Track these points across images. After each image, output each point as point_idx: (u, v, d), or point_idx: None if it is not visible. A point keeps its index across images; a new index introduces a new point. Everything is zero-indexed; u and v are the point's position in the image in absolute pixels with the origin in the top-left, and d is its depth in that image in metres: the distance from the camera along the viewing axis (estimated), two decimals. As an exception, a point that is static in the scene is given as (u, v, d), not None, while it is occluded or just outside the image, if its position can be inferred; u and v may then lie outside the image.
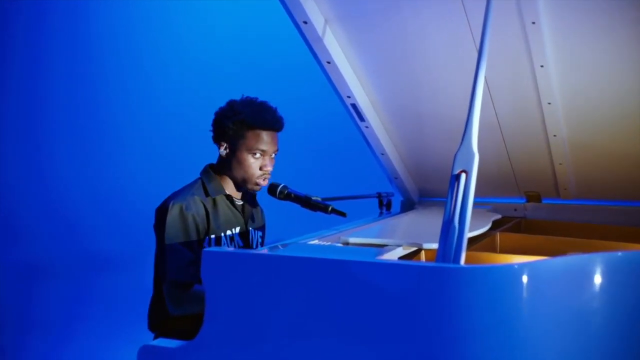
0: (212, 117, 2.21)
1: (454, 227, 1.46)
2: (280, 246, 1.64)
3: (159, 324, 2.14)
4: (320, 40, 1.96)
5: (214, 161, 2.26)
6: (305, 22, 1.93)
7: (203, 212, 2.10)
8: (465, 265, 1.35)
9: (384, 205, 2.86)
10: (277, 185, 2.22)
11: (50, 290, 4.29)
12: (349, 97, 2.20)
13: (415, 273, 1.32)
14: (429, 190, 2.86)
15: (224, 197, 2.19)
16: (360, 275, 1.34)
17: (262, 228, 2.42)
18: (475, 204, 1.51)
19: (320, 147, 3.99)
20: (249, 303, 1.45)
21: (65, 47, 4.35)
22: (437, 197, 2.88)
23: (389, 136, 2.50)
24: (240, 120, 2.12)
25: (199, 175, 2.24)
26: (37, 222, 4.31)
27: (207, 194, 2.15)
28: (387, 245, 1.68)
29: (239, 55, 4.21)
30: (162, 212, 2.06)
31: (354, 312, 1.34)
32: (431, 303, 1.29)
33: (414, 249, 1.73)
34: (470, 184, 1.49)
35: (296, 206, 2.23)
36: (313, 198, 2.20)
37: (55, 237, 4.28)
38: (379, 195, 2.83)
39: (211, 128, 2.20)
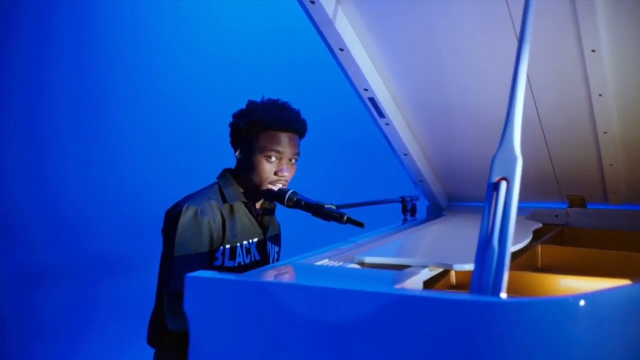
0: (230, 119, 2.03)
1: (493, 247, 1.17)
2: (282, 269, 1.37)
3: (160, 339, 1.95)
4: (330, 23, 1.67)
5: (232, 166, 2.06)
6: (313, 2, 1.65)
7: (219, 218, 1.90)
8: (508, 300, 1.07)
9: (408, 211, 2.58)
10: (285, 191, 1.96)
11: (55, 295, 4.12)
12: (365, 90, 1.91)
13: (445, 308, 1.04)
14: (458, 194, 2.56)
15: (242, 205, 1.99)
16: (375, 309, 1.07)
17: (278, 242, 2.20)
18: (521, 209, 1.29)
19: (335, 147, 3.73)
20: (242, 339, 1.19)
21: (71, 46, 4.19)
22: (467, 201, 2.59)
23: (413, 134, 2.21)
24: (253, 120, 1.92)
25: (215, 180, 2.04)
26: (41, 224, 4.14)
27: (224, 200, 1.95)
28: (410, 266, 1.40)
29: (252, 52, 4.06)
30: (173, 215, 1.86)
31: (368, 353, 1.07)
32: (462, 345, 1.01)
33: (442, 269, 1.45)
34: (512, 194, 1.20)
35: (307, 215, 1.98)
36: (326, 206, 1.93)
37: (59, 240, 4.11)
38: (403, 200, 2.55)
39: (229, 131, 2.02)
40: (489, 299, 1.09)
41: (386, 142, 2.24)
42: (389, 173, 3.56)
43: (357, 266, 1.44)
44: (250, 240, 2.01)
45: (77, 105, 4.16)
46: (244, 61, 4.02)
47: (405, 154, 2.21)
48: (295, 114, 1.99)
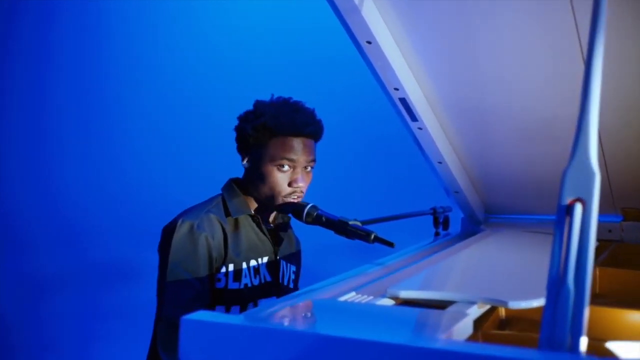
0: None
1: (568, 289, 0.91)
2: (298, 307, 1.12)
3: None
4: (356, 11, 1.42)
5: (240, 175, 1.86)
6: (337, -13, 1.40)
7: (220, 234, 1.68)
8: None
9: (441, 224, 2.33)
10: (304, 206, 1.73)
11: (60, 303, 4.01)
12: (396, 89, 1.66)
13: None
14: (497, 206, 2.30)
15: (250, 218, 1.77)
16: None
17: (296, 260, 1.97)
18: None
19: (353, 152, 3.50)
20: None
21: (74, 48, 4.09)
22: (507, 214, 2.33)
23: (449, 140, 1.95)
24: (261, 125, 1.70)
25: (219, 192, 1.82)
26: (43, 229, 4.04)
27: (227, 213, 1.73)
28: (454, 302, 1.15)
29: (261, 50, 3.86)
30: (168, 230, 1.66)
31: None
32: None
33: (490, 306, 1.20)
34: (590, 219, 0.94)
35: (328, 231, 1.74)
36: (351, 222, 1.69)
37: (63, 246, 4.01)
38: (434, 212, 2.30)
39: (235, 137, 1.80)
40: (568, 356, 0.85)
41: (417, 149, 1.99)
42: (414, 180, 3.33)
43: (391, 301, 1.20)
44: (260, 260, 1.77)
45: (80, 108, 4.05)
46: (252, 60, 3.84)
47: (439, 162, 1.96)
48: (310, 115, 1.75)
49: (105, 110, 3.98)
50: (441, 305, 1.16)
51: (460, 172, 2.04)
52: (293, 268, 1.95)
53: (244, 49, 3.86)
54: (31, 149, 4.08)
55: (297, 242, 2.03)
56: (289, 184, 1.74)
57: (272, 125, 1.69)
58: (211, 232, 1.66)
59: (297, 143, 1.73)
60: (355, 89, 3.22)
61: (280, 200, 1.75)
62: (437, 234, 2.33)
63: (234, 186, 1.80)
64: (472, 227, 2.28)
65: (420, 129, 1.80)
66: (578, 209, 0.94)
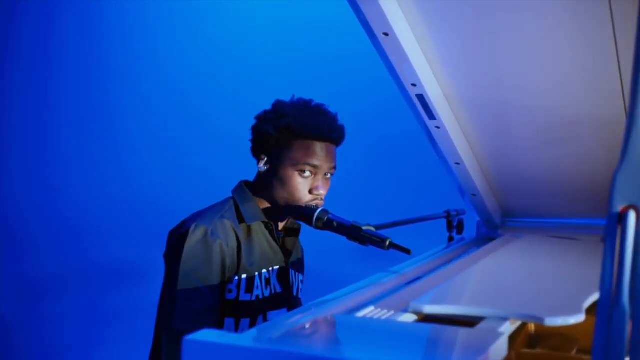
0: (253, 122, 1.72)
1: (623, 308, 0.80)
2: (315, 325, 1.02)
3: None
4: (374, 0, 1.32)
5: (251, 178, 1.76)
6: (352, -26, 1.30)
7: (234, 242, 1.59)
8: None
9: (454, 227, 2.22)
10: (313, 210, 1.63)
11: (61, 305, 3.91)
12: (414, 85, 1.55)
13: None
14: (514, 209, 2.19)
15: (262, 225, 1.67)
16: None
17: (302, 269, 1.87)
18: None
19: (363, 155, 3.41)
20: None
21: (75, 47, 4.01)
22: (525, 217, 2.22)
23: (467, 140, 1.85)
24: (285, 126, 1.60)
25: (229, 195, 1.72)
26: (44, 231, 3.95)
27: (240, 220, 1.63)
28: (484, 318, 1.04)
29: (265, 50, 3.80)
30: (178, 236, 1.55)
31: None
32: None
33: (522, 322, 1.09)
34: (646, 231, 0.83)
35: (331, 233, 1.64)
36: (364, 227, 1.59)
37: (63, 248, 3.92)
38: (448, 215, 2.19)
39: (250, 137, 1.70)
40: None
41: (433, 149, 1.88)
42: (420, 181, 3.24)
43: (413, 317, 1.09)
44: (271, 269, 1.67)
45: (80, 108, 3.98)
46: (254, 60, 3.78)
47: (457, 163, 1.85)
48: (333, 119, 1.67)
49: (106, 111, 3.92)
50: (469, 321, 1.05)
51: (478, 173, 1.93)
52: (300, 277, 1.86)
53: (246, 48, 3.81)
54: (31, 149, 4.02)
55: (302, 251, 1.93)
56: (310, 191, 1.65)
57: (296, 127, 1.60)
58: (226, 239, 1.56)
59: (321, 148, 1.64)
60: (358, 88, 3.18)
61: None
62: (450, 238, 2.23)
63: (246, 190, 1.70)
64: (488, 232, 2.18)
65: (437, 127, 1.69)
66: (631, 217, 0.84)
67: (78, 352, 3.87)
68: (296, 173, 1.63)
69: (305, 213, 1.64)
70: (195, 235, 1.53)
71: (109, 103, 3.93)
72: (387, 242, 1.55)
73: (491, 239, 2.18)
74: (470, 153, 1.87)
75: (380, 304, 1.13)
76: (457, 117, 1.75)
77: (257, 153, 1.69)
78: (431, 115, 1.63)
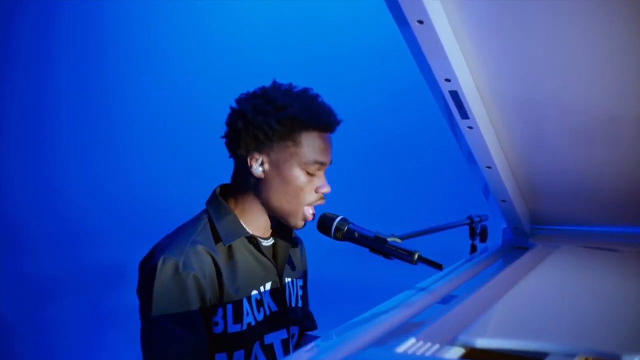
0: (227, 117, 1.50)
1: None
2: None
3: None
4: (409, -18, 1.16)
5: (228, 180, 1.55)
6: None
7: (212, 269, 1.37)
8: None
9: (477, 234, 2.06)
10: (332, 219, 1.47)
11: (62, 307, 3.83)
12: (448, 80, 1.39)
13: None
14: (544, 216, 2.03)
15: (245, 240, 1.45)
16: None
17: (302, 269, 1.68)
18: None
19: (356, 153, 3.29)
20: None
21: (74, 46, 3.95)
22: (555, 224, 2.05)
23: (499, 141, 1.68)
24: (290, 117, 1.39)
25: (203, 207, 1.50)
26: (44, 232, 3.88)
27: (217, 239, 1.41)
28: (547, 354, 0.88)
29: (266, 50, 3.68)
30: (148, 270, 1.33)
31: None
32: None
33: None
34: None
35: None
36: (389, 239, 1.43)
37: (63, 249, 3.86)
38: (471, 221, 2.03)
39: (226, 134, 1.47)
40: None
41: (461, 151, 1.72)
42: (433, 184, 3.12)
43: (461, 350, 0.93)
44: (262, 287, 1.46)
45: (80, 109, 3.92)
46: (257, 60, 3.70)
47: (488, 167, 1.68)
48: (329, 106, 1.48)
49: (106, 112, 3.88)
50: (528, 357, 0.90)
51: (509, 178, 1.77)
52: (300, 282, 1.65)
53: (246, 48, 3.73)
54: (31, 149, 3.97)
55: (300, 243, 1.71)
56: (315, 190, 1.48)
57: (303, 119, 1.40)
58: (201, 268, 1.34)
59: (325, 141, 1.47)
60: (358, 87, 3.07)
61: (302, 214, 1.48)
62: (473, 247, 2.07)
63: (220, 200, 1.47)
64: (516, 240, 2.01)
65: (470, 128, 1.53)
66: None
67: (78, 353, 3.77)
68: (303, 172, 1.43)
69: (323, 222, 1.47)
70: (164, 271, 1.31)
71: (109, 104, 3.88)
72: (416, 256, 1.39)
73: (519, 248, 2.02)
74: (502, 156, 1.71)
75: (422, 334, 0.97)
76: (490, 117, 1.59)
77: (245, 152, 1.43)
78: (464, 114, 1.47)
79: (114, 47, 3.88)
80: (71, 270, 3.78)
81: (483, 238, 2.09)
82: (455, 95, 1.41)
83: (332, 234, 1.46)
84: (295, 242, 1.66)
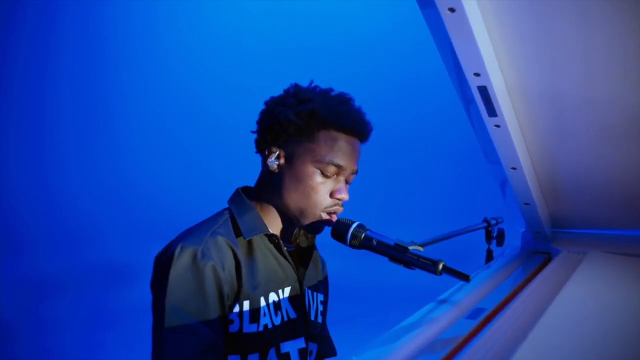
0: (261, 109, 1.42)
1: None
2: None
3: None
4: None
5: (252, 183, 1.44)
6: None
7: (231, 262, 1.27)
8: None
9: (494, 238, 1.95)
10: (347, 225, 1.35)
11: (62, 306, 3.81)
12: (477, 75, 1.27)
13: None
14: (564, 219, 1.92)
15: (266, 239, 1.36)
16: None
17: (324, 287, 1.57)
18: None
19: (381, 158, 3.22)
20: None
21: (74, 46, 3.99)
22: (576, 228, 1.95)
23: (525, 141, 1.57)
24: (309, 112, 1.31)
25: (225, 206, 1.40)
26: (44, 231, 3.90)
27: (238, 234, 1.32)
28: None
29: (272, 48, 3.64)
30: (163, 261, 1.24)
31: None
32: None
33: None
34: None
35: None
36: (411, 247, 1.31)
37: (63, 248, 3.87)
38: (488, 224, 1.92)
39: (256, 127, 1.38)
40: None
41: (483, 151, 1.60)
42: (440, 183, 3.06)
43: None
44: (280, 292, 1.36)
45: (80, 109, 3.95)
46: (258, 59, 3.65)
47: (513, 168, 1.57)
48: (360, 111, 1.38)
49: (106, 112, 3.94)
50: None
51: (533, 180, 1.66)
52: (321, 297, 1.55)
53: (246, 48, 3.69)
54: (31, 149, 3.98)
55: (324, 264, 1.63)
56: (331, 195, 1.36)
57: (323, 115, 1.30)
58: (220, 260, 1.25)
59: (349, 145, 1.35)
60: (358, 88, 3.02)
61: (315, 213, 1.36)
62: (489, 251, 1.96)
63: (243, 197, 1.39)
64: (536, 244, 1.90)
65: (497, 126, 1.41)
66: None
67: (76, 351, 3.68)
68: (318, 171, 1.33)
69: (338, 229, 1.35)
70: (181, 259, 1.22)
71: (109, 104, 3.93)
72: (440, 266, 1.27)
73: (539, 253, 1.91)
74: (527, 157, 1.60)
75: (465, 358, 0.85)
76: (517, 115, 1.47)
77: (265, 145, 1.37)
78: (492, 112, 1.35)
79: (112, 47, 3.89)
80: (70, 269, 3.78)
81: (500, 242, 1.97)
82: (484, 90, 1.29)
83: (348, 242, 1.35)
84: (317, 254, 1.56)
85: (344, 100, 1.37)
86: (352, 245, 1.36)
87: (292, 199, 1.35)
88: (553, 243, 1.87)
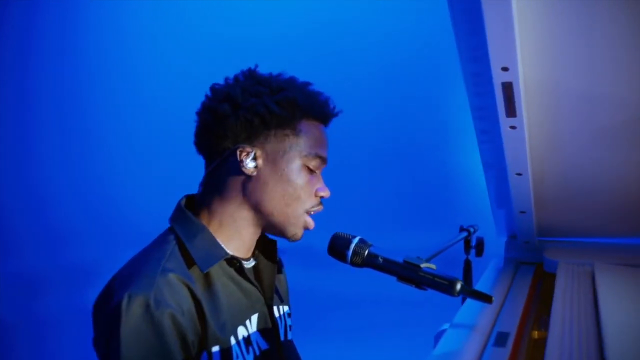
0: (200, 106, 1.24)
1: None
2: None
3: None
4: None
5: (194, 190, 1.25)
6: None
7: (190, 302, 1.04)
8: None
9: (473, 248, 1.82)
10: (348, 240, 1.17)
11: (50, 305, 3.83)
12: (505, 69, 1.12)
13: None
14: (551, 227, 1.81)
15: (225, 264, 1.14)
16: None
17: (285, 290, 1.39)
18: None
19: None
20: None
21: (60, 45, 3.88)
22: (562, 236, 1.85)
23: (530, 144, 1.43)
24: (290, 100, 1.12)
25: (168, 225, 1.17)
26: (29, 231, 3.87)
27: (190, 263, 1.09)
28: None
29: (272, 48, 3.53)
30: (108, 314, 1.00)
31: None
32: None
33: None
34: None
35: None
36: (423, 265, 1.13)
37: (48, 248, 3.85)
38: (468, 233, 1.78)
39: (208, 126, 1.17)
40: None
41: (482, 154, 1.47)
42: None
43: None
44: (248, 323, 1.16)
45: (65, 110, 3.89)
46: (254, 60, 3.52)
47: (518, 174, 1.44)
48: (328, 97, 1.22)
49: (89, 113, 3.92)
50: None
51: (535, 187, 1.53)
52: (287, 310, 1.35)
53: (246, 47, 3.58)
54: (15, 150, 3.94)
55: (283, 268, 1.41)
56: (315, 193, 1.19)
57: (303, 102, 1.13)
58: (177, 303, 1.02)
59: (324, 133, 1.20)
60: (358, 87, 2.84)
61: (300, 219, 1.18)
62: (468, 262, 1.83)
63: (188, 215, 1.16)
64: (523, 254, 1.79)
65: (513, 128, 1.27)
66: None
67: (69, 350, 3.57)
68: (306, 168, 1.16)
69: (336, 245, 1.16)
70: (131, 311, 0.98)
71: (93, 105, 3.90)
72: (458, 286, 1.10)
73: (526, 264, 1.81)
74: (531, 162, 1.47)
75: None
76: (529, 116, 1.34)
77: (234, 145, 1.14)
78: (511, 111, 1.21)
79: (97, 46, 3.88)
80: (56, 269, 3.80)
81: (479, 252, 1.85)
82: (507, 88, 1.14)
83: (349, 259, 1.16)
84: (279, 265, 1.35)
85: (306, 84, 1.20)
86: (353, 263, 1.17)
87: (279, 204, 1.15)
88: (545, 253, 1.75)
